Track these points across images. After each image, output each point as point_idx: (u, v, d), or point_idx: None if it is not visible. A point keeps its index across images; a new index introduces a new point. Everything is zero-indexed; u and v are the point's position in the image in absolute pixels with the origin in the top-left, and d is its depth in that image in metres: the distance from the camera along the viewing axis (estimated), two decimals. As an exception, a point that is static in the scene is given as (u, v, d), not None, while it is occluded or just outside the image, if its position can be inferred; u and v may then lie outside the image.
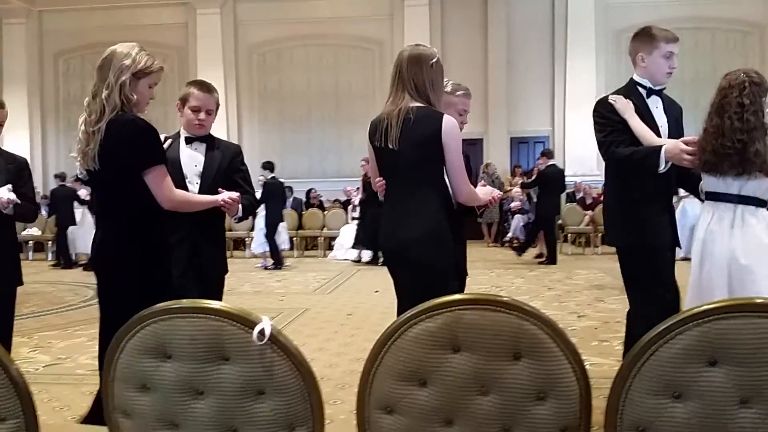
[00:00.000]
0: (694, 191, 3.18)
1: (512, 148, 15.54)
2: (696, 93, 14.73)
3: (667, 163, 2.94)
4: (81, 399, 3.69)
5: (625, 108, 3.09)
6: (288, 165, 13.86)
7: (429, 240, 2.67)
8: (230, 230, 11.11)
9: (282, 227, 10.66)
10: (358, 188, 11.91)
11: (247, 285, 8.76)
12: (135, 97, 2.48)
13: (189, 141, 3.18)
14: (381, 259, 10.52)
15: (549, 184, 10.36)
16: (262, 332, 1.35)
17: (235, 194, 2.92)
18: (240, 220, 3.20)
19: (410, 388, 1.40)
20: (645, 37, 3.19)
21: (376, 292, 7.65)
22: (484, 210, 3.16)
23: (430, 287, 2.56)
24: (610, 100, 3.17)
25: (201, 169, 3.13)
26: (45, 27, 16.22)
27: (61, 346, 5.26)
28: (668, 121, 3.21)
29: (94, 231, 2.76)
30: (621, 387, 1.36)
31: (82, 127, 2.48)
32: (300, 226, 12.66)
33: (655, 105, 3.22)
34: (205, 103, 3.12)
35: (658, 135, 3.10)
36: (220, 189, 2.95)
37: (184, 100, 3.13)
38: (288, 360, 1.38)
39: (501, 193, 3.32)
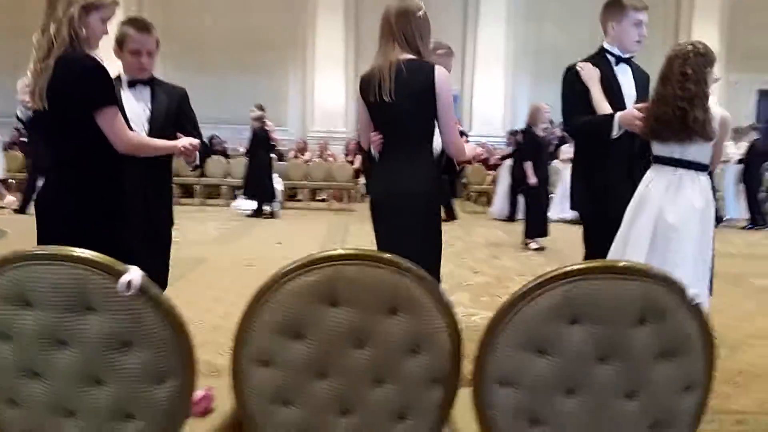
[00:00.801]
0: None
1: (422, 106, 15.62)
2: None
3: (620, 128, 3.04)
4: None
5: (590, 76, 3.18)
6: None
7: (418, 195, 2.74)
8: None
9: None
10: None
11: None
12: (85, 32, 2.30)
13: (131, 85, 2.99)
14: (268, 209, 10.32)
15: None
16: (130, 283, 1.30)
17: (195, 141, 2.80)
18: (195, 168, 3.06)
19: (286, 341, 1.40)
20: (615, 5, 3.27)
21: (279, 243, 7.58)
22: (464, 168, 3.17)
23: (424, 238, 2.76)
24: (576, 67, 3.24)
25: (149, 114, 2.97)
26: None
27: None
28: (636, 89, 3.30)
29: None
30: (488, 342, 1.42)
31: (31, 65, 2.29)
32: (202, 174, 12.31)
33: (623, 73, 3.30)
34: (145, 44, 2.93)
35: (623, 102, 3.18)
36: (178, 134, 2.84)
37: (120, 42, 2.92)
38: (157, 311, 1.34)
39: (483, 150, 3.30)
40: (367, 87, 2.76)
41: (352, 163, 13.39)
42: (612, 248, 3.01)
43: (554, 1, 14.93)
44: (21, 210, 9.50)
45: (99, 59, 2.34)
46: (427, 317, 1.42)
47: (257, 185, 10.44)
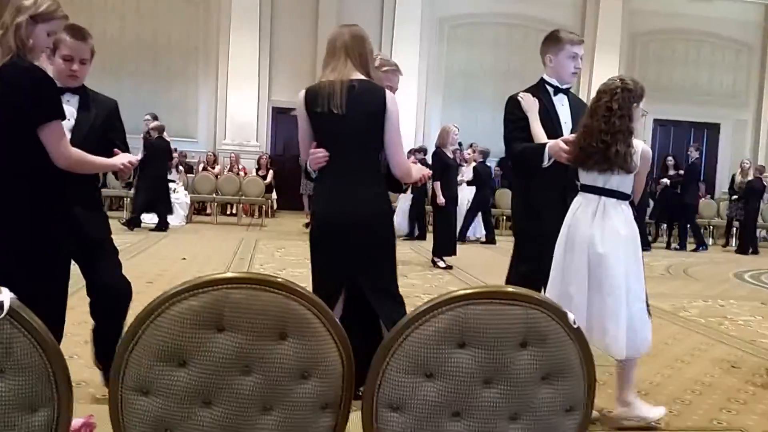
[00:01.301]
0: None
1: (336, 122, 15.67)
2: (506, 84, 15.87)
3: (550, 158, 3.20)
4: None
5: (530, 106, 3.36)
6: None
7: (384, 215, 2.80)
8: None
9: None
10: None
11: None
12: (31, 42, 2.23)
13: (60, 92, 2.84)
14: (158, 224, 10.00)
15: None
16: (-1, 305, 1.22)
17: (133, 158, 2.75)
18: (128, 184, 2.96)
19: (168, 368, 1.34)
20: (552, 39, 3.48)
21: (183, 259, 7.37)
22: (409, 187, 3.17)
23: (389, 259, 2.81)
24: (518, 98, 3.39)
25: (72, 123, 2.82)
26: None
27: None
28: (572, 118, 3.47)
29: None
30: (379, 366, 1.42)
31: None
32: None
33: (561, 102, 3.51)
34: (79, 52, 2.83)
35: (560, 131, 3.38)
36: (116, 150, 2.78)
37: (53, 47, 2.77)
38: (30, 337, 1.26)
39: (430, 171, 3.34)
40: (315, 98, 2.73)
41: (264, 177, 13.23)
42: (551, 278, 3.12)
43: (463, 27, 15.39)
44: None
45: (46, 71, 2.29)
46: (318, 341, 1.41)
47: (157, 198, 10.09)
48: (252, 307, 1.35)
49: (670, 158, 12.46)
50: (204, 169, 13.47)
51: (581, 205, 3.08)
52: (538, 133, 3.33)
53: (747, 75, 16.64)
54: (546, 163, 3.24)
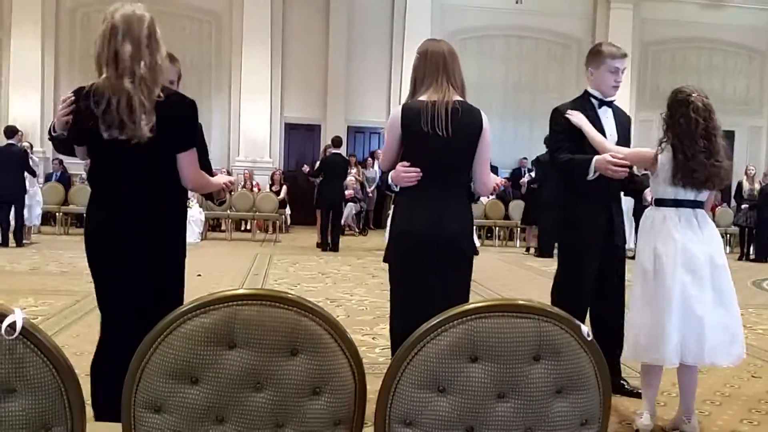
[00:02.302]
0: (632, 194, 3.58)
1: (349, 137, 15.73)
2: (516, 96, 15.88)
3: (595, 172, 3.27)
4: None
5: (580, 121, 3.44)
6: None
7: (470, 232, 2.87)
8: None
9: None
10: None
11: (54, 264, 8.09)
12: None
13: None
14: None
15: (330, 171, 10.78)
16: (12, 325, 1.22)
17: (232, 178, 3.01)
18: (222, 203, 3.26)
19: (180, 386, 1.34)
20: (594, 53, 3.59)
21: (198, 275, 7.39)
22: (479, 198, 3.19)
23: (469, 275, 2.86)
24: (566, 114, 3.50)
25: None
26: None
27: None
28: (617, 130, 3.57)
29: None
30: (391, 381, 1.41)
31: (132, 95, 2.32)
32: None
33: (605, 115, 3.58)
34: (169, 74, 2.86)
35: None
36: (214, 171, 3.00)
37: None
38: (42, 356, 1.27)
39: (503, 181, 3.41)
40: (417, 118, 2.70)
41: (278, 193, 13.28)
42: (655, 308, 3.01)
43: (473, 40, 15.42)
44: None
45: None
46: (330, 357, 1.40)
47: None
48: (263, 324, 1.35)
49: None
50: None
51: (683, 220, 3.03)
52: (600, 141, 3.37)
53: (760, 81, 16.52)
54: (591, 176, 3.28)
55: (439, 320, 1.39)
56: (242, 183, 13.67)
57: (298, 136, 15.60)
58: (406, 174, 2.72)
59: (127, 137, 2.32)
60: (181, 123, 2.42)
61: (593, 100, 3.58)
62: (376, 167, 13.96)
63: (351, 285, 7.30)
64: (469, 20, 15.26)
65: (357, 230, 13.98)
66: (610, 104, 3.61)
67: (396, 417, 1.41)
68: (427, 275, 2.74)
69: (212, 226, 12.90)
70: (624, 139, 3.57)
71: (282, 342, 1.36)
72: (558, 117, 3.56)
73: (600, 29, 15.79)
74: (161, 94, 2.35)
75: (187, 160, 2.44)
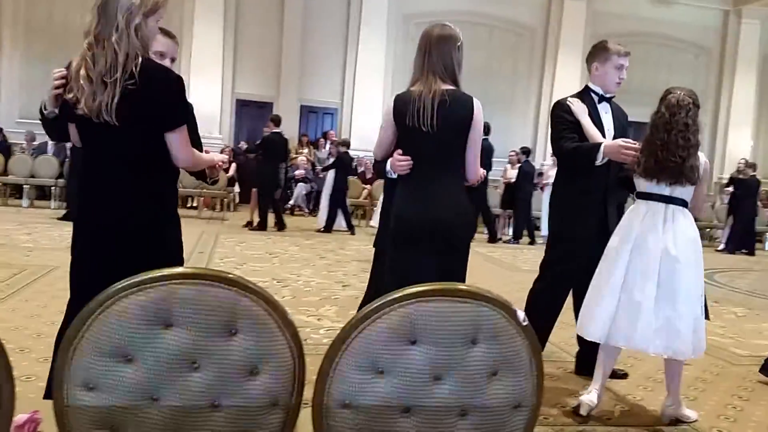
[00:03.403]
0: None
1: (302, 117, 15.58)
2: (470, 83, 15.95)
3: (603, 158, 3.32)
4: None
5: (581, 111, 3.51)
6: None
7: (466, 216, 2.89)
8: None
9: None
10: None
11: (-10, 237, 7.82)
12: (148, 39, 2.19)
13: None
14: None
15: (270, 150, 10.60)
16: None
17: (225, 157, 2.81)
18: (214, 182, 2.98)
19: (114, 364, 1.32)
20: (600, 49, 3.65)
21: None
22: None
23: (463, 258, 2.87)
24: (568, 102, 3.56)
25: None
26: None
27: None
28: (614, 125, 3.64)
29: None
30: (330, 363, 1.41)
31: (83, 72, 2.12)
32: (60, 175, 11.55)
33: (605, 110, 3.66)
34: (171, 50, 2.73)
35: (604, 136, 3.51)
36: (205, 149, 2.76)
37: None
38: (-32, 332, 1.23)
39: (484, 172, 3.36)
40: (404, 110, 2.77)
41: (226, 170, 13.07)
42: (603, 288, 3.15)
43: (428, 24, 15.41)
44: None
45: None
46: (269, 337, 1.40)
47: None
48: (201, 303, 1.33)
49: None
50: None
51: (648, 213, 3.14)
52: (594, 134, 3.47)
53: (705, 78, 17.05)
54: (599, 162, 3.36)
55: (379, 303, 1.40)
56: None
57: (250, 113, 15.35)
58: (398, 163, 2.82)
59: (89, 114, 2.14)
60: (164, 99, 2.20)
61: (593, 96, 3.66)
62: (327, 147, 13.87)
63: (298, 266, 7.28)
64: (425, 4, 15.25)
65: (307, 210, 13.92)
66: (609, 100, 3.70)
67: (334, 398, 1.42)
68: (421, 261, 2.76)
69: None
70: (620, 135, 3.63)
71: (220, 322, 1.35)
72: (560, 109, 3.63)
73: (554, 20, 16.01)
74: (134, 67, 2.12)
75: (176, 139, 2.24)
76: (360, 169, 13.47)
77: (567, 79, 15.91)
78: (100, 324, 1.31)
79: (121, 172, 2.25)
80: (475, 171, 2.89)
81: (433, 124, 2.71)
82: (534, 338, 1.49)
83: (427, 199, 2.78)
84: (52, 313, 4.39)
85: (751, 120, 17.31)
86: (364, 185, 13.01)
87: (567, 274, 3.63)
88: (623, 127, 3.75)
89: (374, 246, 3.91)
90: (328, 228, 10.85)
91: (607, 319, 3.08)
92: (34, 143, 12.59)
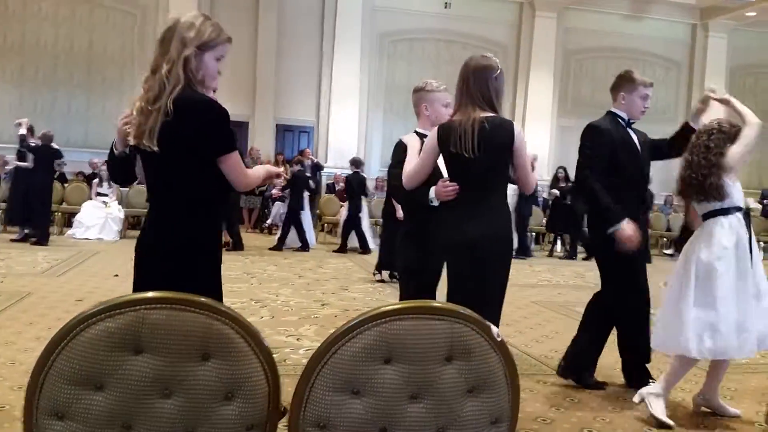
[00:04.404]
0: None
1: (277, 135, 15.56)
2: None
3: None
4: None
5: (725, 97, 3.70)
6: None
7: (499, 236, 2.91)
8: None
9: None
10: None
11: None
12: (200, 73, 2.20)
13: None
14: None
15: None
16: None
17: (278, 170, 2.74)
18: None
19: (84, 392, 1.30)
20: (627, 80, 3.88)
21: (116, 276, 7.15)
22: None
23: (498, 278, 2.91)
24: (707, 91, 3.76)
25: None
26: None
27: None
28: (641, 147, 3.88)
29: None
30: (305, 385, 1.40)
31: (137, 104, 2.18)
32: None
33: (632, 135, 3.88)
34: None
35: (639, 160, 3.81)
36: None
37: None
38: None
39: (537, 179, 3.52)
40: (448, 138, 2.88)
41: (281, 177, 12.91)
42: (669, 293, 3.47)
43: (403, 42, 15.57)
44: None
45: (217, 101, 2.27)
46: (243, 361, 1.38)
47: (36, 208, 9.72)
48: (172, 328, 1.31)
49: (560, 170, 12.66)
50: (139, 182, 13.12)
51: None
52: (742, 109, 3.58)
53: (676, 91, 17.35)
54: (609, 231, 3.61)
55: (353, 323, 1.39)
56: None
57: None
58: (444, 190, 2.93)
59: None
60: (200, 128, 2.19)
61: (620, 120, 3.87)
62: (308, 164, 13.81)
63: (276, 285, 7.23)
64: (399, 23, 15.38)
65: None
66: (631, 126, 3.91)
67: (310, 420, 1.41)
68: (481, 281, 2.86)
69: (132, 224, 12.50)
70: (645, 152, 3.89)
71: (192, 347, 1.34)
72: (590, 136, 3.81)
73: (525, 37, 16.22)
74: (170, 102, 2.14)
75: (225, 166, 2.24)
76: (338, 187, 13.45)
77: (540, 95, 16.12)
78: (69, 351, 1.28)
79: (162, 198, 2.30)
80: (525, 184, 3.03)
81: (475, 150, 2.82)
82: (508, 354, 1.49)
83: (473, 219, 2.89)
84: (27, 339, 4.31)
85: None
86: (341, 202, 12.98)
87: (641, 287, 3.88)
88: (646, 148, 3.96)
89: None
90: (278, 246, 10.68)
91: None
92: (7, 167, 12.41)
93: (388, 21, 15.33)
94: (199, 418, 1.36)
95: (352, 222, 10.96)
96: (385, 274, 7.98)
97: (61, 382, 1.29)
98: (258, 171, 2.50)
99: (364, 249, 10.87)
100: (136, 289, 2.24)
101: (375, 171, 15.07)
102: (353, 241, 11.05)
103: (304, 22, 15.04)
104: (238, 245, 10.24)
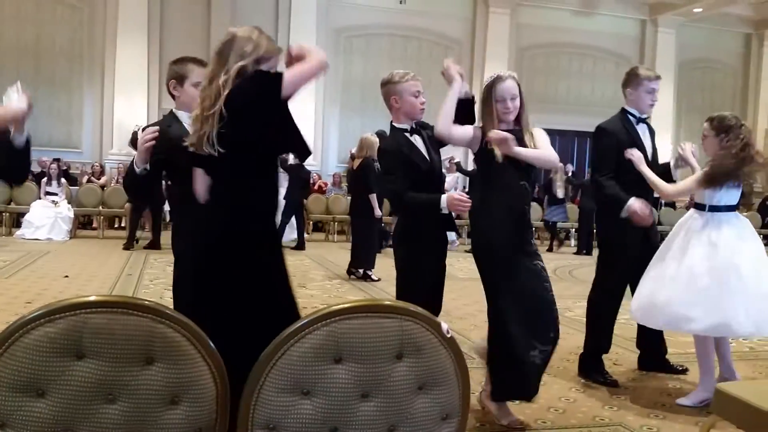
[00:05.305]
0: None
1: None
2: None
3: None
4: None
5: (639, 161, 3.78)
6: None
7: (492, 236, 3.18)
8: None
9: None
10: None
11: None
12: None
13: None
14: None
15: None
16: None
17: None
18: None
19: (25, 399, 1.26)
20: (632, 75, 3.95)
21: (66, 277, 6.97)
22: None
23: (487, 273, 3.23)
24: (627, 155, 3.78)
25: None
26: None
27: None
28: (651, 144, 3.98)
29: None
30: (253, 387, 1.39)
31: (195, 112, 2.22)
32: None
33: (643, 132, 3.96)
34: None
35: (646, 155, 3.85)
36: None
37: (181, 78, 2.77)
38: None
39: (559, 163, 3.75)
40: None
41: (157, 189, 12.71)
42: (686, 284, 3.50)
43: (359, 38, 15.53)
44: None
45: None
46: (189, 365, 1.36)
47: None
48: (114, 332, 1.28)
49: None
50: (89, 180, 12.79)
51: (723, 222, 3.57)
52: (653, 180, 3.77)
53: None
54: (623, 215, 3.74)
55: (302, 323, 1.39)
56: (115, 178, 12.97)
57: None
58: (457, 202, 3.10)
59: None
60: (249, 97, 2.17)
61: (631, 118, 3.94)
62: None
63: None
64: (354, 18, 15.32)
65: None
66: (644, 121, 3.98)
67: (259, 422, 1.40)
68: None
69: (82, 223, 12.19)
70: (655, 150, 4.00)
71: (135, 351, 1.31)
72: (601, 137, 3.93)
73: (479, 32, 16.34)
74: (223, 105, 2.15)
75: (290, 77, 2.19)
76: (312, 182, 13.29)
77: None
78: (8, 357, 1.24)
79: (221, 201, 2.25)
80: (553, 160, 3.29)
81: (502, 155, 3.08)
82: (458, 350, 1.50)
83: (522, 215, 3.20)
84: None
85: (671, 126, 18.11)
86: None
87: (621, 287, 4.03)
88: (653, 141, 4.06)
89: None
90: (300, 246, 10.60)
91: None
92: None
93: (344, 16, 15.26)
94: (145, 423, 1.33)
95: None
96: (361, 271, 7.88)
97: (1, 389, 1.25)
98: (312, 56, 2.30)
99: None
100: (197, 299, 2.18)
101: (332, 167, 15.03)
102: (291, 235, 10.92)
103: (258, 18, 14.80)
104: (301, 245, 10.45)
